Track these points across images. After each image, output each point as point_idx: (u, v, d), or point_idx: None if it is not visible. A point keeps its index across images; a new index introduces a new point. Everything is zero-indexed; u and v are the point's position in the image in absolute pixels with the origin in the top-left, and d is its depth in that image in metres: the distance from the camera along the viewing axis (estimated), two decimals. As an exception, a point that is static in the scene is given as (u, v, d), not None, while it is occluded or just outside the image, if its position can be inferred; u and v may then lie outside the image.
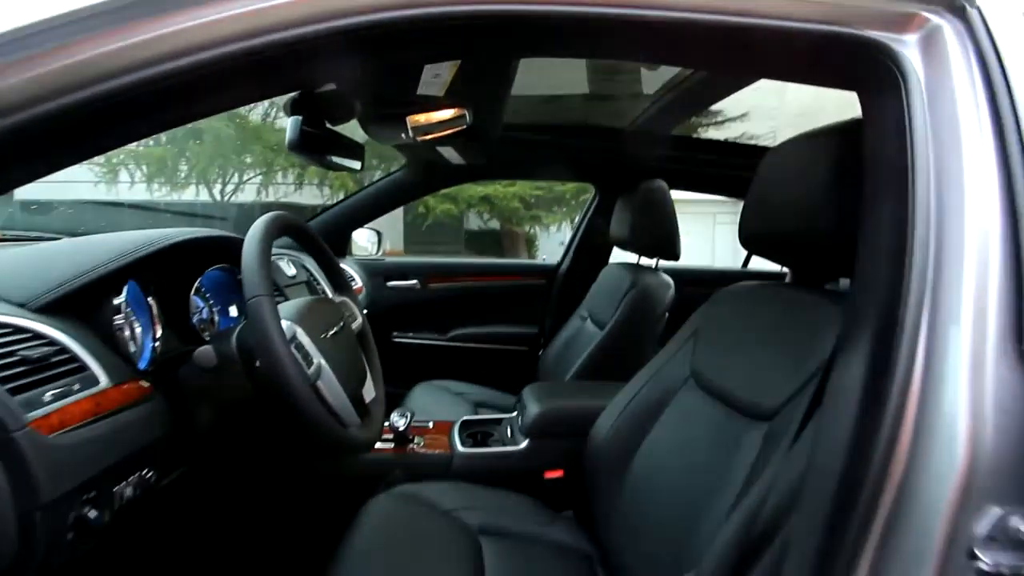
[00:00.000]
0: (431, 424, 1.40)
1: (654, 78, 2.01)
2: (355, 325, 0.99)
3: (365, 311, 2.03)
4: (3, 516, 0.49)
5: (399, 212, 9.12)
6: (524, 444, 1.24)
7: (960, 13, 0.53)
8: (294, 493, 1.18)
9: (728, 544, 0.62)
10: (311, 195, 9.72)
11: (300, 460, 1.11)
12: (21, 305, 0.68)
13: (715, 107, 2.09)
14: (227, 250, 0.96)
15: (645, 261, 1.75)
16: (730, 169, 1.96)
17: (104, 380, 0.68)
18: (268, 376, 0.68)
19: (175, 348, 0.89)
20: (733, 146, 1.97)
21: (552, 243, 11.21)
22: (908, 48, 0.54)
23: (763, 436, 0.76)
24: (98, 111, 0.44)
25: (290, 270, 1.30)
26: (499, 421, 1.42)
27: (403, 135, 1.27)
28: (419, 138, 1.32)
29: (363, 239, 2.26)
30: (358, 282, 2.02)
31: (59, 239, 1.06)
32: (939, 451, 0.43)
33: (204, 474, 0.97)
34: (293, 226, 0.87)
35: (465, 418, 1.41)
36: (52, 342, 0.66)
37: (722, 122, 2.60)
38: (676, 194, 1.68)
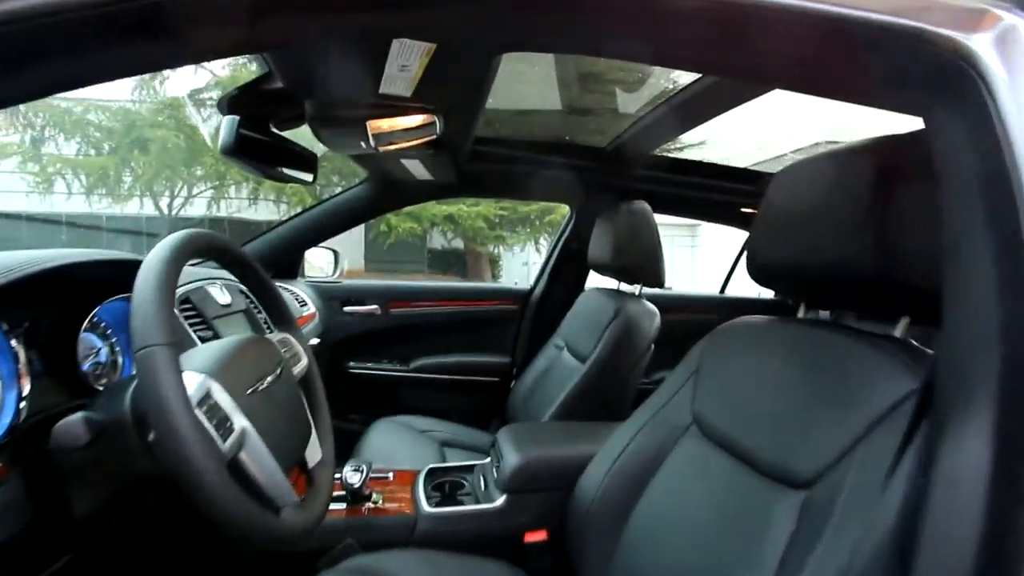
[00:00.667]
0: (391, 475, 1.22)
1: (633, 97, 1.94)
2: (298, 368, 0.81)
3: (317, 339, 1.85)
4: None
5: (360, 229, 8.91)
6: (501, 501, 1.07)
7: None
8: None
9: None
10: (267, 211, 9.37)
11: (223, 544, 0.91)
12: None
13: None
14: (134, 275, 0.77)
15: (625, 287, 1.64)
16: (718, 193, 1.88)
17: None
18: (165, 456, 0.50)
19: (58, 404, 0.69)
20: (722, 169, 1.89)
21: (516, 263, 11.24)
22: (982, 47, 0.47)
23: (799, 507, 0.65)
24: None
25: (223, 297, 1.10)
26: (471, 468, 1.25)
27: (363, 144, 1.10)
28: (381, 148, 1.16)
29: (318, 259, 2.08)
30: (310, 307, 1.81)
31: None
32: None
33: (101, 561, 0.76)
34: (213, 247, 0.68)
35: (432, 466, 1.24)
36: None
37: (681, 148, 2.57)
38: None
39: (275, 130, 1.11)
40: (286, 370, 0.74)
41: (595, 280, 1.94)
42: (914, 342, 0.68)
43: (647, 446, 0.93)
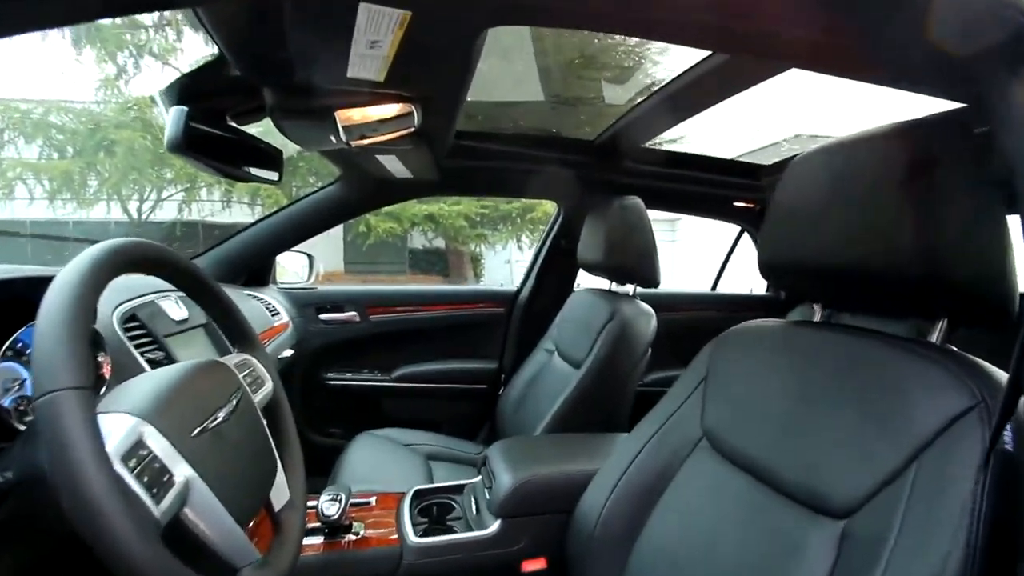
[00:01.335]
0: (373, 500, 1.12)
1: (622, 88, 1.86)
2: (261, 395, 0.70)
3: (291, 350, 1.73)
4: None
5: (338, 231, 8.74)
6: (494, 527, 0.98)
7: None
8: None
9: None
10: (241, 214, 9.12)
11: None
12: None
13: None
14: None
15: (617, 287, 1.56)
16: (711, 187, 1.81)
17: None
18: (81, 529, 0.39)
19: None
20: (716, 162, 1.81)
21: (498, 261, 11.17)
22: None
23: (837, 537, 0.58)
24: None
25: (178, 312, 0.98)
26: (460, 489, 1.16)
27: (332, 138, 0.99)
28: (354, 143, 1.05)
29: (291, 263, 1.95)
30: (283, 316, 1.69)
31: None
32: None
33: None
34: (144, 259, 0.56)
35: (417, 488, 1.14)
36: None
37: (659, 144, 2.52)
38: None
39: (232, 123, 1.00)
40: (245, 399, 0.63)
41: (584, 280, 1.86)
42: (954, 347, 0.62)
43: (653, 463, 0.85)
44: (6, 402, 0.65)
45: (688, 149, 1.81)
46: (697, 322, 2.08)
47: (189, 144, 0.82)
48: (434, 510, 1.11)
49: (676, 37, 0.61)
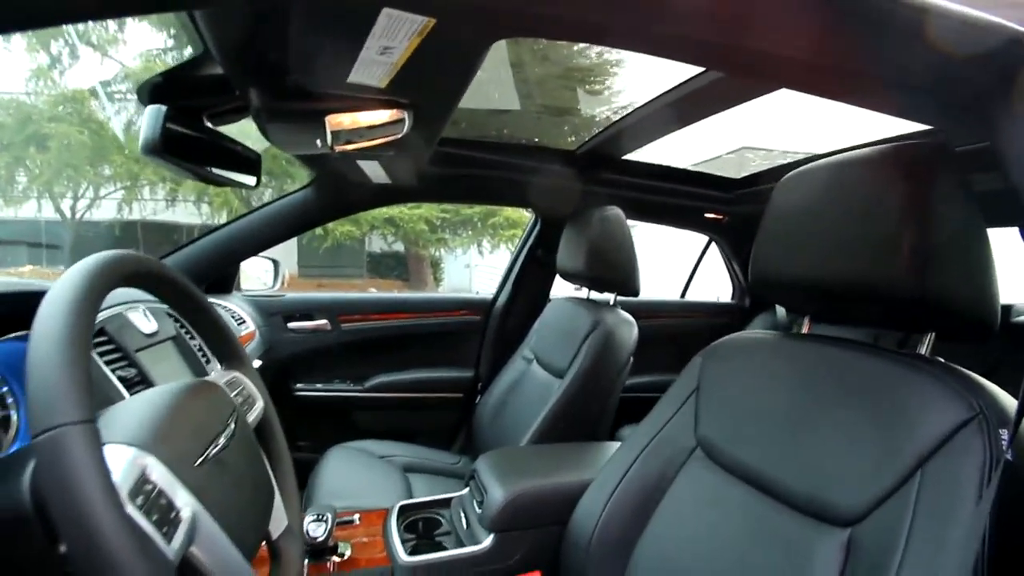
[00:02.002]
0: (357, 518, 1.08)
1: (600, 100, 1.88)
2: (254, 415, 0.66)
3: (259, 361, 1.65)
4: None
5: (294, 233, 8.43)
6: (487, 542, 0.96)
7: None
8: None
9: None
10: (186, 212, 8.68)
11: None
12: None
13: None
14: (32, 309, 0.60)
15: (596, 295, 1.57)
16: (687, 199, 1.85)
17: None
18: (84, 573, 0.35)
19: None
20: (694, 175, 1.86)
21: (457, 266, 11.10)
22: None
23: (844, 545, 0.60)
24: None
25: (148, 324, 0.91)
26: (446, 502, 1.13)
27: (319, 143, 0.95)
28: (338, 148, 1.01)
29: (255, 270, 1.86)
30: (249, 324, 1.61)
31: None
32: None
33: None
34: (141, 273, 0.52)
35: (403, 503, 1.11)
36: None
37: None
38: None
39: (209, 124, 0.94)
40: (240, 422, 0.59)
41: (560, 288, 1.86)
42: (942, 359, 0.65)
43: (648, 472, 0.86)
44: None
45: (645, 159, 1.85)
46: (669, 328, 2.13)
47: (166, 146, 0.77)
48: (420, 525, 1.08)
49: (680, 54, 0.62)
